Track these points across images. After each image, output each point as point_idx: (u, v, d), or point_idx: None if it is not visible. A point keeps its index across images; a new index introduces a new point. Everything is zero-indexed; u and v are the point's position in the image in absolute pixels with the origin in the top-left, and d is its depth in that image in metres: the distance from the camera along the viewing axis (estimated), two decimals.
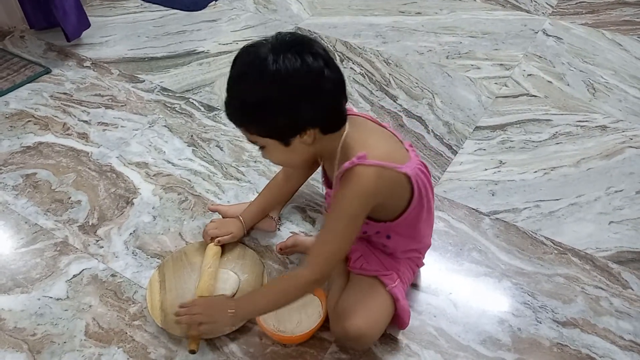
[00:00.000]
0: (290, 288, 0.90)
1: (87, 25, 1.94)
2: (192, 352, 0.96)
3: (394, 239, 0.99)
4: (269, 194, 1.20)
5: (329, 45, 1.91)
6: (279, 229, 1.24)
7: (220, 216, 1.23)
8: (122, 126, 1.57)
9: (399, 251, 1.02)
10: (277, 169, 1.28)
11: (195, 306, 0.95)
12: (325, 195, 1.08)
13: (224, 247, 1.17)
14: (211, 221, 1.20)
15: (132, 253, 1.19)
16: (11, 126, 1.57)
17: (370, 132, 0.91)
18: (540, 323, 1.05)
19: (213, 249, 1.14)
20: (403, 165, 0.87)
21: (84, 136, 1.53)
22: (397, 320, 1.00)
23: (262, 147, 0.86)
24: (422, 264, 1.09)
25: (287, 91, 0.77)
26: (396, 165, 0.86)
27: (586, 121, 1.57)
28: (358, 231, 0.88)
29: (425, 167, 0.95)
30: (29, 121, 1.58)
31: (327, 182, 1.01)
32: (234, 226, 1.17)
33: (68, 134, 1.53)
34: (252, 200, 1.21)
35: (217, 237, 1.15)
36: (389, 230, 0.96)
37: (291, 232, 1.23)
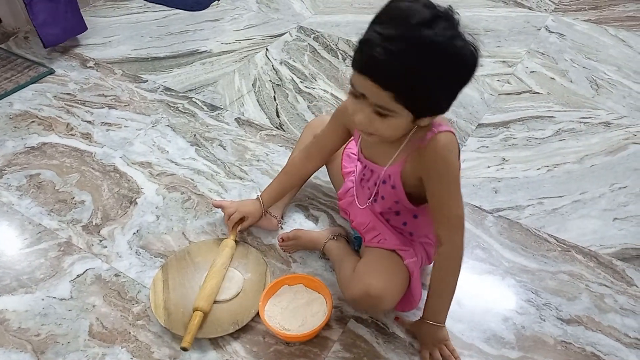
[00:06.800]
0: (455, 267, 0.94)
1: (81, 29, 1.92)
2: (184, 349, 0.97)
3: (420, 219, 1.00)
4: (287, 175, 1.20)
5: (331, 44, 1.91)
6: (281, 228, 1.24)
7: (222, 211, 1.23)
8: (125, 126, 1.57)
9: (417, 234, 1.02)
10: (283, 161, 1.28)
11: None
12: (347, 181, 1.09)
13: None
14: (230, 202, 1.20)
15: (136, 253, 1.20)
16: (15, 127, 1.57)
17: None
18: (545, 320, 1.05)
19: (229, 244, 1.15)
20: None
21: (87, 136, 1.53)
22: (408, 299, 1.00)
23: (384, 115, 0.80)
24: (433, 258, 1.09)
25: (459, 72, 0.77)
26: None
27: (590, 117, 1.56)
28: None
29: None
30: (33, 122, 1.59)
31: (365, 158, 1.00)
32: (252, 206, 1.18)
33: (72, 134, 1.54)
34: (270, 183, 1.22)
35: (233, 220, 1.17)
36: (420, 210, 0.98)
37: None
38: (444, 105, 0.81)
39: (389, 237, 1.01)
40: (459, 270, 0.94)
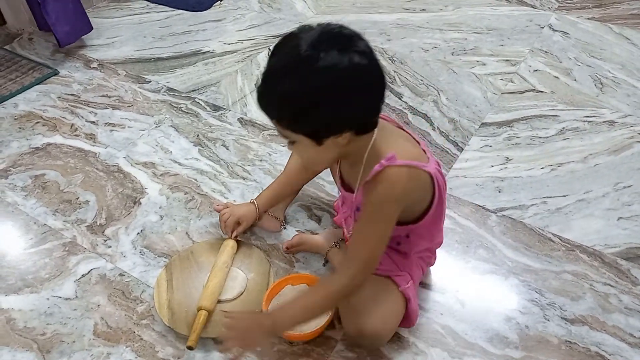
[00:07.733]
0: (326, 296, 0.87)
1: (88, 29, 1.93)
2: (190, 348, 0.97)
3: (412, 239, 0.98)
4: (285, 180, 1.19)
5: None
6: (284, 228, 1.24)
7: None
8: (129, 126, 1.58)
9: (413, 251, 1.01)
10: (286, 161, 1.29)
11: (231, 331, 0.88)
12: (339, 197, 1.08)
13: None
14: (225, 205, 1.20)
15: (140, 252, 1.20)
16: (20, 128, 1.58)
17: (394, 135, 0.89)
18: (548, 320, 1.05)
19: (230, 244, 1.15)
20: (427, 165, 0.86)
21: (91, 137, 1.54)
22: (405, 319, 1.00)
23: (292, 142, 0.82)
24: (433, 263, 1.09)
25: (332, 90, 0.73)
26: (421, 164, 0.85)
27: (594, 116, 1.56)
28: (391, 233, 0.86)
29: (440, 166, 0.95)
30: (38, 122, 1.60)
31: (343, 184, 1.00)
32: (246, 210, 1.18)
33: (76, 135, 1.55)
34: (267, 186, 1.21)
35: (229, 225, 1.16)
36: (410, 230, 0.96)
37: (297, 231, 1.23)
38: (352, 122, 0.77)
39: (383, 261, 1.00)
40: (333, 306, 0.90)
